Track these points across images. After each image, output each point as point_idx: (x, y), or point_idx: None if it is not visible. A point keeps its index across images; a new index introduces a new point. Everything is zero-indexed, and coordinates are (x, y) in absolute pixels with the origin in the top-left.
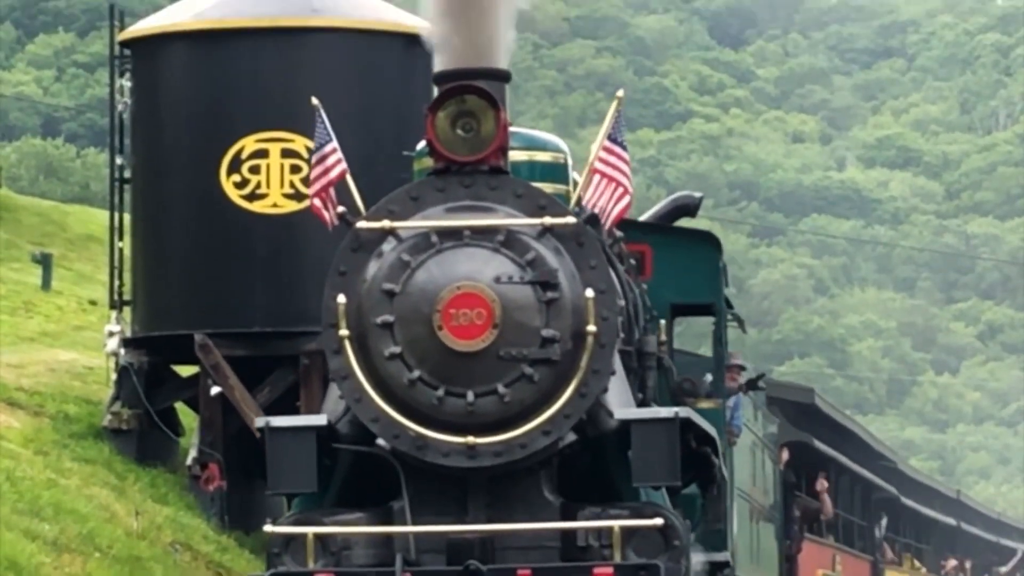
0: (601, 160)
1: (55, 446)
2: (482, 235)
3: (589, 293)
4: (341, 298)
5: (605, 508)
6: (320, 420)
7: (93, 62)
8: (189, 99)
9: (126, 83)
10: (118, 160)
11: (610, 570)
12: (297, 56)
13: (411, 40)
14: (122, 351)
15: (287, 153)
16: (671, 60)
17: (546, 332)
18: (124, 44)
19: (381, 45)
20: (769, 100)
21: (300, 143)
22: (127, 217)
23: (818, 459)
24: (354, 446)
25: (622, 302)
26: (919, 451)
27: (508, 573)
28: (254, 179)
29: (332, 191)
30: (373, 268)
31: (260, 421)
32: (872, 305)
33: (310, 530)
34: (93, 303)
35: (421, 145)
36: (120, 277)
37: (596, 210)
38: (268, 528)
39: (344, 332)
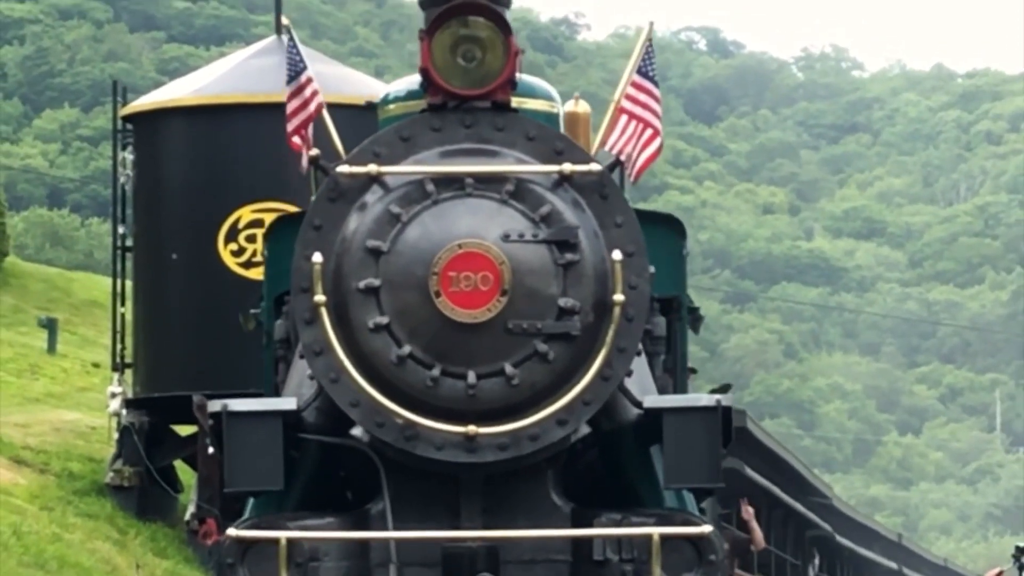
0: (629, 98)
1: (59, 502)
2: (487, 184)
3: (616, 255)
4: (317, 256)
5: (626, 515)
6: (288, 404)
7: (97, 136)
8: (188, 171)
9: (128, 156)
10: (120, 229)
11: None
12: None
13: None
14: (124, 411)
15: None
16: None
17: (563, 301)
18: (126, 119)
19: (372, 119)
20: (740, 173)
21: None
22: (129, 284)
23: (750, 489)
24: (325, 437)
25: (652, 268)
26: (883, 508)
27: None
28: (250, 247)
29: (310, 130)
30: (355, 222)
31: (216, 404)
32: (839, 369)
33: (283, 534)
34: (96, 366)
35: (385, 92)
36: (122, 341)
37: (623, 157)
38: (232, 532)
39: (320, 298)
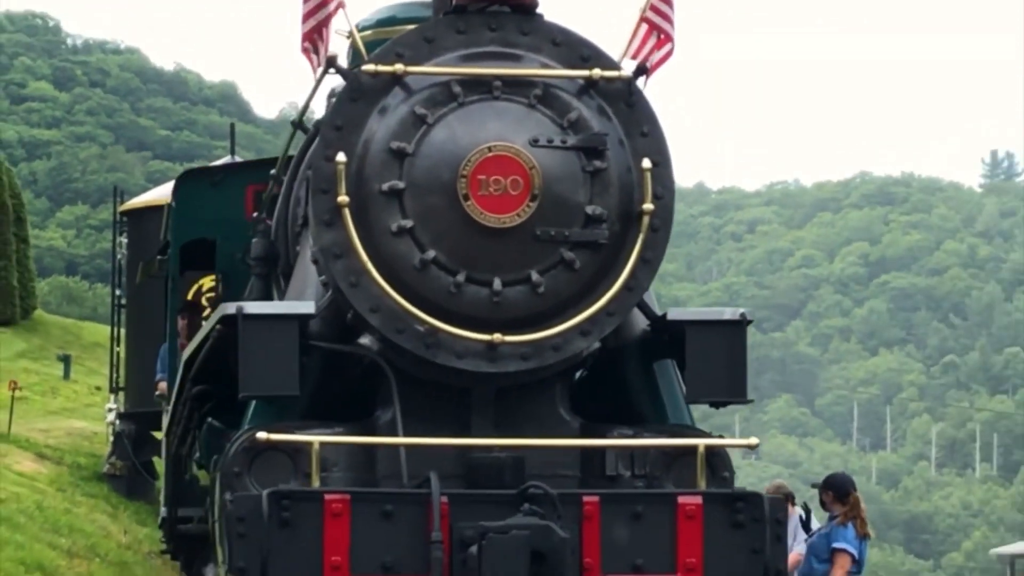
0: (653, 8)
1: (70, 485)
2: (514, 88)
3: (646, 163)
4: (341, 156)
5: (638, 430)
6: (305, 307)
7: (101, 225)
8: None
9: (123, 240)
10: (117, 292)
11: (699, 499)
12: None
13: None
14: (117, 422)
15: None
16: None
17: (591, 209)
18: (123, 213)
19: None
20: None
21: None
22: (122, 331)
23: None
24: (336, 345)
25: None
26: None
27: (572, 500)
28: (208, 308)
29: (325, 31)
30: (376, 123)
31: (231, 307)
32: None
33: (316, 438)
34: (99, 388)
35: (355, 22)
36: (117, 371)
37: (647, 64)
38: (261, 436)
39: (343, 198)
